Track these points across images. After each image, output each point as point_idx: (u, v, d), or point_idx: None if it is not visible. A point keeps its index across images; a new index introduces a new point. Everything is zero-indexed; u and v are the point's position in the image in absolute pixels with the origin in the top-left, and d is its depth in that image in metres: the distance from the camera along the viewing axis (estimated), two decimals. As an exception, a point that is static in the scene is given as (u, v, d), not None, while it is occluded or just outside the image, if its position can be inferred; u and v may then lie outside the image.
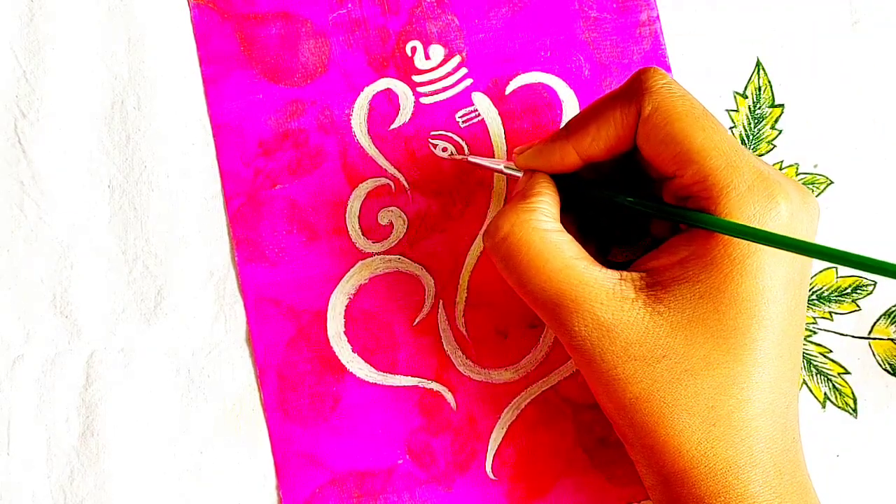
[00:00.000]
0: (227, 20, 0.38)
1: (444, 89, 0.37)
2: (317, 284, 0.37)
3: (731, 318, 0.28)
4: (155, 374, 0.37)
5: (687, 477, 0.28)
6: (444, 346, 0.37)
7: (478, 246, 0.37)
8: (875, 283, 0.37)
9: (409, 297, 0.37)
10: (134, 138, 0.37)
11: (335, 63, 0.38)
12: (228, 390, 0.37)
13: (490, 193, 0.37)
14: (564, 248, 0.29)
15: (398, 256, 0.37)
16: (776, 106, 0.37)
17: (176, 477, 0.36)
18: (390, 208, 0.37)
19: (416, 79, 0.38)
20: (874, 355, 0.36)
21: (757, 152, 0.37)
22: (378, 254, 0.37)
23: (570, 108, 0.37)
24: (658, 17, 0.38)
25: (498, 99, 0.37)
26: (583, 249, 0.30)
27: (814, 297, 0.37)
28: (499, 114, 0.37)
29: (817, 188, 0.37)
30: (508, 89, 0.37)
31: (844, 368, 0.36)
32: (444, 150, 0.37)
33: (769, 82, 0.37)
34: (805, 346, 0.36)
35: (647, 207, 0.30)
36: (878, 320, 0.37)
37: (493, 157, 0.37)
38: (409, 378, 0.37)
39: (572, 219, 0.33)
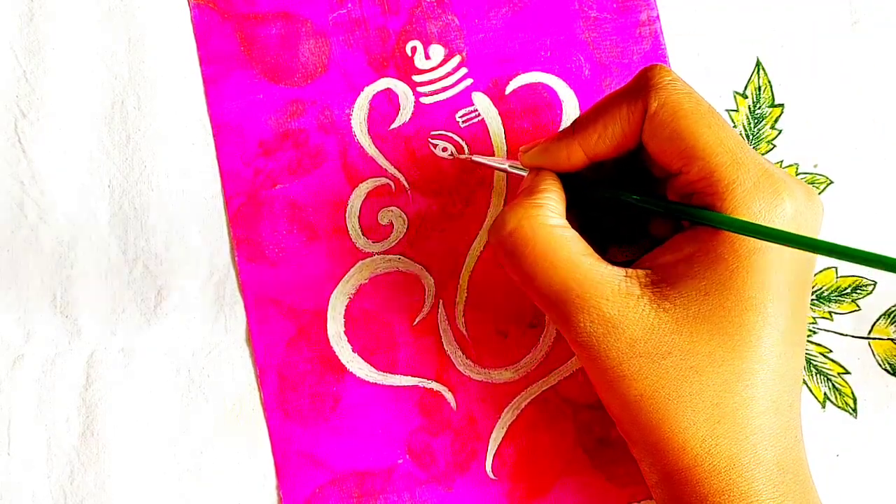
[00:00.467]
0: (228, 20, 0.38)
1: (445, 89, 0.37)
2: (317, 284, 0.37)
3: (737, 315, 0.28)
4: (155, 374, 0.37)
5: (690, 474, 0.28)
6: (444, 345, 0.37)
7: (478, 246, 0.37)
8: (875, 283, 0.37)
9: (409, 296, 0.37)
10: (134, 138, 0.37)
11: (335, 63, 0.38)
12: (228, 390, 0.37)
13: (490, 193, 0.37)
14: (571, 244, 0.29)
15: (398, 256, 0.37)
16: (776, 106, 0.37)
17: (176, 477, 0.36)
18: (390, 208, 0.37)
19: (417, 79, 0.38)
20: (874, 355, 0.36)
21: (757, 152, 0.37)
22: (378, 253, 0.37)
23: (570, 108, 0.37)
24: (658, 17, 0.38)
25: (498, 99, 0.37)
26: (588, 246, 0.30)
27: (814, 296, 0.37)
28: (499, 114, 0.37)
29: (817, 188, 0.37)
30: (508, 89, 0.37)
31: (844, 368, 0.36)
32: (445, 149, 0.37)
33: (769, 82, 0.37)
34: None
35: (653, 205, 0.30)
36: (877, 320, 0.37)
37: (494, 156, 0.37)
38: (409, 378, 0.37)
39: (573, 218, 0.33)
